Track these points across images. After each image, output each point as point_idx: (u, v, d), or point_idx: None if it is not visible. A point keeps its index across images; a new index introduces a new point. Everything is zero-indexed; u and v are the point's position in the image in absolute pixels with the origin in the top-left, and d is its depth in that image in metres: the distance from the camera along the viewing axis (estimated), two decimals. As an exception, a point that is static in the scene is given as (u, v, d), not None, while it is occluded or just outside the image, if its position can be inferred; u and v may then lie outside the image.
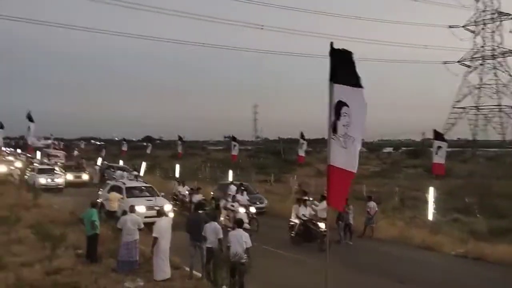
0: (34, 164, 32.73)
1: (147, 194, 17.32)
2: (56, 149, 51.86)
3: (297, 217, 14.30)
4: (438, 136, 16.85)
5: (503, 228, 16.50)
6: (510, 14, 78.95)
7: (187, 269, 9.99)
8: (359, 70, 6.02)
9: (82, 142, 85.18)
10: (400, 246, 14.50)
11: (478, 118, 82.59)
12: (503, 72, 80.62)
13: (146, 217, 12.94)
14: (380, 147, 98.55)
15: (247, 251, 8.72)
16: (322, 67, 6.02)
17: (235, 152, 26.91)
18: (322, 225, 13.43)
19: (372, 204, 15.95)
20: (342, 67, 5.94)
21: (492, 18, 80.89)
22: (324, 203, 14.55)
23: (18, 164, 32.24)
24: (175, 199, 20.76)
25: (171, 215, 15.16)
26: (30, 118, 25.22)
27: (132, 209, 10.72)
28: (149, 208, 15.14)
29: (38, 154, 46.36)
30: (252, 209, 16.26)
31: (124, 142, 44.31)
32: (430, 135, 18.97)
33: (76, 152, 56.56)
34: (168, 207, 16.11)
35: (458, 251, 13.67)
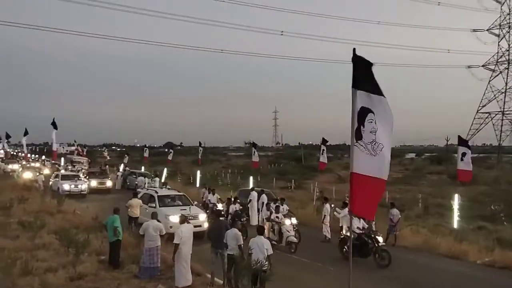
0: (59, 170, 33.44)
1: (180, 203, 16.66)
2: (80, 155, 52.81)
3: (349, 230, 13.41)
4: (463, 142, 16.50)
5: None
6: (536, 16, 77.00)
7: (209, 276, 9.98)
8: (380, 75, 5.99)
9: (104, 149, 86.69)
10: (425, 254, 14.17)
11: (504, 123, 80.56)
12: (529, 75, 78.52)
13: None
14: (402, 153, 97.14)
15: (269, 258, 8.66)
16: (343, 73, 6.02)
17: (255, 158, 26.87)
18: (380, 239, 12.55)
19: (395, 211, 15.65)
20: (365, 73, 5.88)
21: (517, 21, 79.06)
22: (346, 210, 14.42)
23: (46, 171, 32.92)
24: (204, 207, 19.80)
25: (206, 225, 15.07)
26: (54, 126, 25.85)
27: (154, 216, 10.78)
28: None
29: (62, 160, 47.37)
30: (294, 221, 15.17)
31: (146, 148, 44.94)
32: (454, 141, 18.58)
33: (106, 155, 57.39)
34: (203, 216, 15.78)
35: (484, 260, 13.28)
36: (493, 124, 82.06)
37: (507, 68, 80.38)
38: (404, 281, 11.21)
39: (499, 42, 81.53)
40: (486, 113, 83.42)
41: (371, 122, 5.92)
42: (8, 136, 53.27)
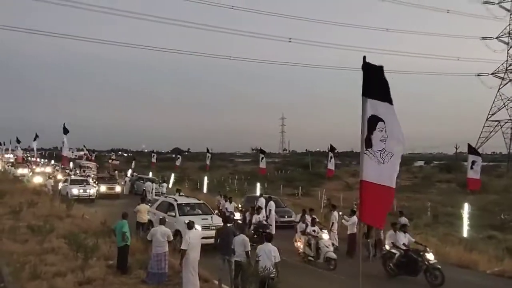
0: (69, 175, 33.67)
1: (200, 211, 15.86)
2: (89, 160, 53.14)
3: (394, 245, 12.05)
4: (472, 150, 16.40)
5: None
6: (545, 25, 76.52)
7: (216, 282, 9.97)
8: (389, 83, 5.99)
9: (113, 154, 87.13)
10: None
11: (514, 132, 79.84)
12: (539, 84, 77.92)
13: (202, 237, 10.68)
14: (411, 160, 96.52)
15: (276, 266, 8.64)
16: (351, 80, 6.02)
17: (263, 165, 26.84)
18: (430, 256, 11.42)
19: (404, 219, 15.50)
20: (375, 81, 5.88)
21: (527, 29, 78.64)
22: (354, 218, 14.34)
23: (59, 176, 33.13)
24: (221, 216, 17.90)
25: None
26: (65, 130, 26.04)
27: (162, 222, 10.81)
28: (205, 227, 13.68)
29: (71, 165, 47.71)
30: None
31: (154, 154, 45.17)
32: (463, 149, 18.47)
33: (114, 161, 57.59)
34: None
35: (494, 270, 13.12)
36: (503, 132, 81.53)
37: (517, 76, 79.81)
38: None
39: (508, 50, 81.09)
40: (496, 121, 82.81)
41: (381, 130, 5.92)
42: (18, 141, 53.78)
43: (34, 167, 48.47)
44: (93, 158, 56.20)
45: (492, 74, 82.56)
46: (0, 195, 22.34)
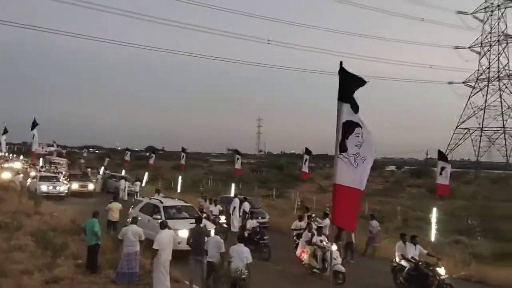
0: (40, 171, 32.78)
1: (187, 214, 14.93)
2: (60, 156, 51.93)
3: (404, 258, 11.30)
4: (442, 156, 16.80)
5: (507, 252, 16.32)
6: (516, 37, 79.39)
7: (187, 283, 9.91)
8: (363, 87, 6.14)
9: (85, 151, 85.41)
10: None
11: (482, 140, 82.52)
12: (508, 94, 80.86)
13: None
14: (383, 165, 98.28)
15: (248, 267, 8.66)
16: (328, 84, 6.11)
17: (238, 165, 26.80)
18: (442, 271, 10.61)
19: (375, 223, 15.84)
20: (350, 87, 6.00)
21: (498, 40, 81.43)
22: (327, 220, 14.52)
23: (32, 172, 32.17)
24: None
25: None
26: (34, 125, 25.37)
27: (134, 221, 10.67)
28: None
29: (41, 161, 46.50)
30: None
31: (128, 152, 44.46)
32: (433, 155, 18.95)
33: (84, 157, 56.37)
34: (213, 232, 13.16)
35: (460, 274, 13.49)
36: (472, 140, 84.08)
37: (487, 86, 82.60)
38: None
39: (480, 60, 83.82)
40: (465, 128, 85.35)
41: (358, 136, 6.03)
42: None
43: (2, 162, 46.96)
44: (64, 155, 54.98)
45: (463, 83, 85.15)
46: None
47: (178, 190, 29.85)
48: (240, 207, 19.18)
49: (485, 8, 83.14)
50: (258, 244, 13.97)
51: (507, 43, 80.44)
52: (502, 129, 79.67)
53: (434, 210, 16.08)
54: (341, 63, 6.00)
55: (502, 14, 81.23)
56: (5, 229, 12.84)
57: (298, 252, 13.11)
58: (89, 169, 41.49)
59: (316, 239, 12.67)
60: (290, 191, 36.33)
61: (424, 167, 71.04)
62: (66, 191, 27.73)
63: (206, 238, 9.97)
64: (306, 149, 24.95)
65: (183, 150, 34.23)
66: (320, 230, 12.99)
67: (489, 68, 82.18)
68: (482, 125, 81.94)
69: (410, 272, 10.89)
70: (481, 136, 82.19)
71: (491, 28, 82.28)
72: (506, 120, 79.68)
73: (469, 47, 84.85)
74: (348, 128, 6.02)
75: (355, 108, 6.11)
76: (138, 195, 28.50)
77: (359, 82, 6.11)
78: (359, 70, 6.16)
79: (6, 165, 42.93)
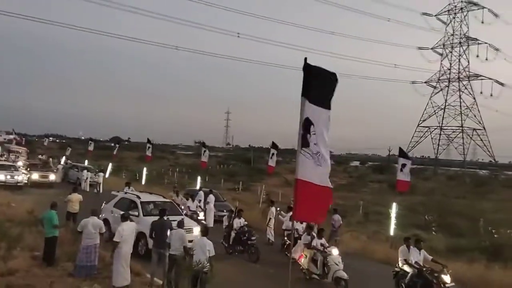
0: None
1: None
2: (19, 145, 49.98)
3: (407, 263, 10.49)
4: (403, 153, 17.29)
5: (460, 246, 17.04)
6: (477, 39, 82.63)
7: (148, 276, 9.81)
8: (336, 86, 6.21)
9: (45, 139, 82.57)
10: (362, 260, 14.72)
11: (441, 138, 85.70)
12: (467, 94, 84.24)
13: None
14: (347, 160, 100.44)
15: (210, 260, 8.66)
16: (296, 79, 6.11)
17: (205, 158, 26.69)
18: (447, 279, 9.78)
19: (337, 217, 16.12)
20: (314, 84, 6.04)
21: (460, 42, 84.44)
22: (290, 214, 14.69)
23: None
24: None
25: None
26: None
27: (94, 213, 10.42)
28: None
29: (-1, 149, 44.73)
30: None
31: (91, 141, 43.33)
32: (396, 152, 19.48)
33: (44, 146, 54.36)
34: (197, 230, 12.83)
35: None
36: (432, 138, 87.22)
37: (447, 86, 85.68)
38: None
39: (441, 61, 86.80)
40: (426, 127, 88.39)
41: (314, 134, 6.11)
42: None
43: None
44: (23, 143, 52.99)
45: (425, 82, 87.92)
46: None
47: (143, 182, 29.43)
48: (205, 200, 19.10)
49: (448, 10, 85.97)
50: (246, 245, 13.40)
51: (468, 45, 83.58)
52: (461, 128, 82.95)
53: (394, 205, 16.57)
54: (305, 59, 6.04)
55: (464, 17, 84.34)
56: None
57: (296, 255, 11.96)
58: (50, 159, 40.26)
59: (316, 242, 11.84)
60: (256, 184, 36.51)
61: (386, 163, 73.06)
62: (25, 181, 26.84)
63: (169, 231, 9.87)
64: (273, 143, 25.10)
65: (149, 141, 33.73)
66: (321, 233, 12.12)
67: (450, 69, 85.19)
68: (442, 124, 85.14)
69: (414, 278, 10.14)
70: (440, 134, 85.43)
71: (453, 30, 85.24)
72: (465, 120, 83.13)
73: (431, 48, 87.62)
74: (307, 125, 6.08)
75: (321, 103, 6.15)
76: (100, 186, 27.95)
77: (325, 78, 6.17)
78: (326, 67, 6.21)
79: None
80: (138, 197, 14.25)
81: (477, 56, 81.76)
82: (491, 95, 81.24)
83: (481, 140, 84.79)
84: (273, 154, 25.02)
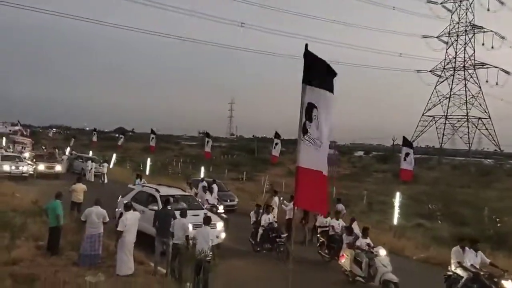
0: (5, 150, 31.69)
1: (184, 204, 12.99)
2: (23, 136, 50.22)
3: (461, 266, 9.17)
4: (406, 143, 17.22)
5: (465, 236, 17.00)
6: (483, 28, 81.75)
7: (152, 264, 9.87)
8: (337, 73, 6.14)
9: (50, 130, 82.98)
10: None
11: (446, 127, 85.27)
12: (472, 83, 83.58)
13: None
14: (351, 150, 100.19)
15: (213, 249, 8.69)
16: (300, 68, 6.04)
17: (208, 149, 26.76)
18: (508, 285, 8.49)
19: (341, 206, 16.12)
20: (316, 69, 5.99)
21: (466, 31, 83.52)
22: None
23: (3, 151, 30.93)
24: None
25: (223, 236, 12.52)
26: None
27: (98, 202, 10.46)
28: (197, 226, 10.39)
29: (4, 140, 45.03)
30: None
31: (95, 132, 43.52)
32: (400, 141, 19.38)
33: (49, 137, 54.61)
34: (220, 225, 12.54)
35: (419, 256, 13.99)
36: (436, 127, 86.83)
37: (453, 75, 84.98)
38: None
39: (447, 49, 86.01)
40: (431, 116, 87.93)
41: (315, 118, 6.06)
42: None
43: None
44: (28, 134, 53.28)
45: (430, 71, 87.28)
46: None
47: (147, 173, 29.55)
48: (209, 190, 19.09)
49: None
50: (275, 243, 12.56)
51: (473, 33, 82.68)
52: (466, 117, 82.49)
53: (398, 194, 16.52)
54: (306, 45, 5.98)
55: (470, 4, 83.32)
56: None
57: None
58: (56, 150, 40.49)
59: (360, 242, 10.77)
60: (260, 174, 36.55)
61: (391, 153, 72.85)
62: (31, 172, 27.02)
63: (172, 220, 9.90)
64: (276, 133, 25.11)
65: (153, 132, 33.80)
66: (366, 232, 11.05)
67: (455, 57, 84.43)
68: (447, 113, 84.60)
69: (468, 283, 8.94)
70: (445, 123, 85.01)
71: (459, 18, 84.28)
72: (470, 109, 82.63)
73: (437, 37, 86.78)
74: (309, 110, 6.04)
75: (324, 86, 6.09)
76: (105, 177, 28.10)
77: (325, 67, 6.12)
78: (331, 56, 6.17)
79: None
80: (157, 191, 13.68)
81: (483, 44, 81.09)
82: (497, 83, 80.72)
83: (486, 129, 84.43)
84: (276, 144, 25.06)
